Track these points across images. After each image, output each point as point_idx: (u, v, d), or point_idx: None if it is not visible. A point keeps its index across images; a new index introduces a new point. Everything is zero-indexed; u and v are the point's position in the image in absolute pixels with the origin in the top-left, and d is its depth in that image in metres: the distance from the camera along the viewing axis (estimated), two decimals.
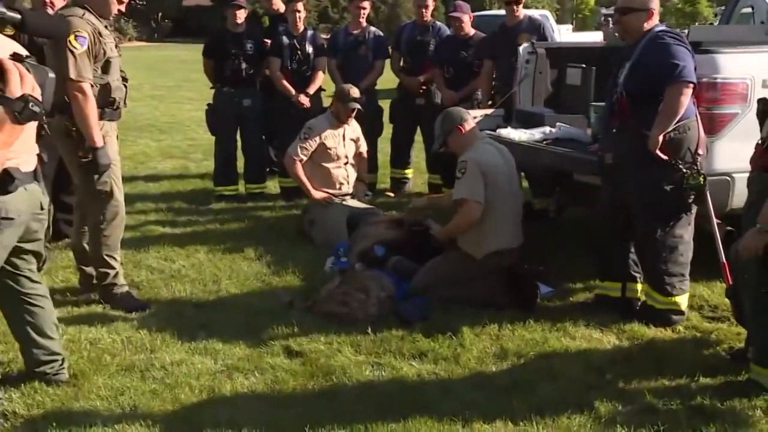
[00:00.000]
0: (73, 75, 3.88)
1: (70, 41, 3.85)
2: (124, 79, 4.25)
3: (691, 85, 3.80)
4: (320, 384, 3.42)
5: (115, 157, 4.17)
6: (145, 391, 3.30)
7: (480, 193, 4.19)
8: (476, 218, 4.20)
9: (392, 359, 3.64)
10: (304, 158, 5.69)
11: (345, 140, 5.79)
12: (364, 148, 6.07)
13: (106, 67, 4.07)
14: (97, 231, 4.21)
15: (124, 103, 4.24)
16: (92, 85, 3.97)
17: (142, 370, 3.50)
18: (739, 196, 3.98)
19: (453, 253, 4.38)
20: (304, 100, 6.61)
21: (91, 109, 3.94)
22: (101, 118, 4.05)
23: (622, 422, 3.07)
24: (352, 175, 5.88)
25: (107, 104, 4.10)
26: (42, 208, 3.08)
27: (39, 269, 3.30)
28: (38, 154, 3.05)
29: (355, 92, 5.75)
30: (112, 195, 4.18)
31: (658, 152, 3.85)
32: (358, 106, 5.73)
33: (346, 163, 5.81)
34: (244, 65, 6.58)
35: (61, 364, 3.37)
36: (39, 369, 3.32)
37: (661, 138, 3.83)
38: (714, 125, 4.21)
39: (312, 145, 5.68)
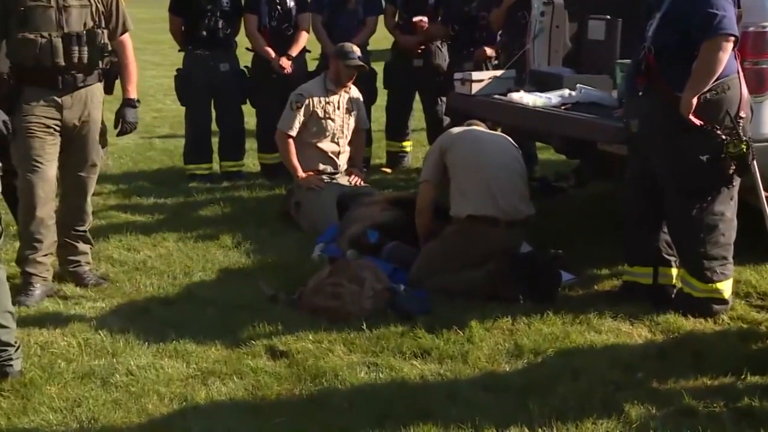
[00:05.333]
0: None
1: None
2: (69, 35, 4.13)
3: (732, 39, 3.76)
4: (308, 389, 3.41)
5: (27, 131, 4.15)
6: (107, 401, 3.28)
7: (429, 172, 4.60)
8: (427, 197, 4.60)
9: (391, 359, 3.63)
10: (296, 132, 5.66)
11: (341, 110, 5.76)
12: (364, 122, 6.02)
13: (24, 21, 4.04)
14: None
15: (70, 63, 4.15)
16: None
17: (103, 377, 3.47)
18: None
19: (447, 228, 4.45)
20: (286, 64, 6.55)
21: None
22: (22, 82, 4.05)
23: (656, 427, 3.06)
24: (346, 151, 5.84)
25: (23, 64, 4.05)
26: None
27: None
28: None
29: (356, 49, 5.73)
30: (22, 175, 4.20)
31: (691, 117, 3.82)
32: (360, 62, 5.70)
33: (339, 138, 5.78)
34: (221, 24, 6.50)
35: (11, 355, 3.40)
36: None
37: (695, 100, 3.80)
38: (763, 82, 4.19)
39: (305, 114, 5.64)
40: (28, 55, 4.10)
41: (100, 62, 4.31)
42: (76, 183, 4.44)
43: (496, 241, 4.36)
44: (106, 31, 4.29)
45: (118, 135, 4.63)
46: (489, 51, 6.51)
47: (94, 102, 4.36)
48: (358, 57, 5.71)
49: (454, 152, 4.53)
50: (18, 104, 4.16)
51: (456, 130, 4.77)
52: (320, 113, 5.68)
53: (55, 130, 4.25)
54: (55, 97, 4.22)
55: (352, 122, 5.85)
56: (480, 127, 4.79)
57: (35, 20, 4.10)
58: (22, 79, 4.14)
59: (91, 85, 4.32)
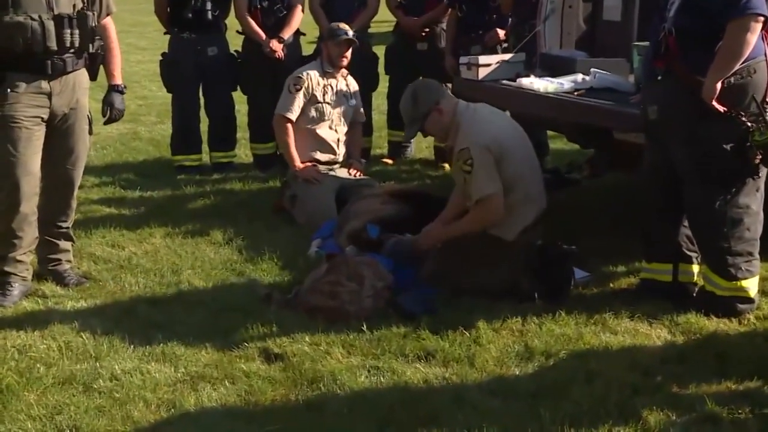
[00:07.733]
0: None
1: None
2: (61, 17, 4.12)
3: (762, 19, 3.74)
4: (305, 394, 3.41)
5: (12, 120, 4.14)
6: (89, 408, 3.28)
7: (498, 182, 4.20)
8: (501, 211, 4.22)
9: (393, 362, 3.63)
10: (296, 116, 5.69)
11: (337, 95, 5.80)
12: (361, 114, 6.04)
13: (10, 2, 4.02)
14: None
15: (62, 47, 4.14)
16: None
17: (85, 383, 3.47)
18: None
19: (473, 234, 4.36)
20: (277, 47, 6.54)
21: None
22: (6, 67, 4.05)
23: None
24: (343, 139, 5.85)
25: (9, 49, 4.05)
26: None
27: None
28: None
29: (343, 25, 5.79)
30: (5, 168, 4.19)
31: (714, 103, 3.81)
32: (349, 37, 5.73)
33: (338, 126, 5.82)
34: (208, 5, 6.50)
35: None
36: None
37: (718, 85, 3.79)
38: None
39: (304, 96, 5.68)
40: (17, 38, 4.07)
41: (91, 46, 4.30)
42: (62, 176, 4.42)
43: (528, 240, 4.33)
44: (95, 13, 4.29)
45: (105, 123, 4.65)
46: (503, 34, 6.49)
47: (81, 88, 4.37)
48: (346, 33, 5.73)
49: (507, 155, 4.23)
50: (2, 92, 4.13)
51: (476, 117, 4.36)
52: (319, 96, 5.72)
53: (42, 119, 4.23)
54: (44, 83, 4.20)
55: (350, 113, 5.85)
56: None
57: (23, 1, 4.07)
58: (6, 65, 4.09)
59: (78, 70, 4.32)
